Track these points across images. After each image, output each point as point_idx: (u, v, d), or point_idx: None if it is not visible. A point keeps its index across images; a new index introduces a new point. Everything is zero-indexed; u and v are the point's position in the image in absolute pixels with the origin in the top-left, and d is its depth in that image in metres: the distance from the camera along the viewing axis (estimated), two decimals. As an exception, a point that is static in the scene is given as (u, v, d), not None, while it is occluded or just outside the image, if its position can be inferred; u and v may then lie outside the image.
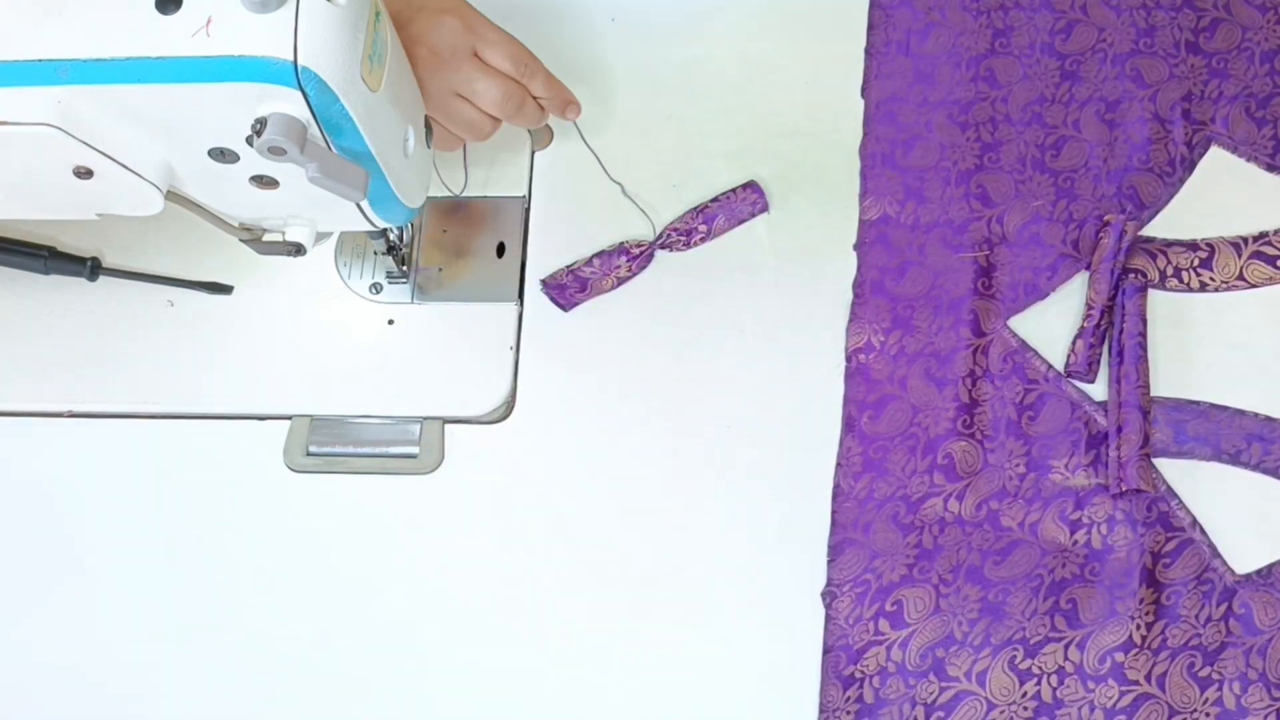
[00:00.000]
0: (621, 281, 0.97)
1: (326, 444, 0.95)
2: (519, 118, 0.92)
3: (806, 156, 1.00)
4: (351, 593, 0.92)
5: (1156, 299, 0.95)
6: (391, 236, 0.93)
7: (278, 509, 0.94)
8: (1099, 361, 0.93)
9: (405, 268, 0.98)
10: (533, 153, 1.02)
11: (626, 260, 0.97)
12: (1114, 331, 0.93)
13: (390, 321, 0.98)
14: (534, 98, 0.93)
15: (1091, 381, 0.93)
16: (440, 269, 0.99)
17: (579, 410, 0.95)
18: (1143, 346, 0.92)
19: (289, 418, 0.96)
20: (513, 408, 0.96)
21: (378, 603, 0.92)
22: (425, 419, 0.95)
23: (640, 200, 0.99)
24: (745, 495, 0.92)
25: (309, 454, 0.95)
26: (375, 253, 0.98)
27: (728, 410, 0.94)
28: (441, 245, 1.00)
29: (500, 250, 1.00)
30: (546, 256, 0.99)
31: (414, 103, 0.83)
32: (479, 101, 0.90)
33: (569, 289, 0.97)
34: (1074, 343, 0.94)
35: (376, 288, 0.98)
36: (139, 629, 0.92)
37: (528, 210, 1.01)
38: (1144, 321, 0.93)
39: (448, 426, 0.95)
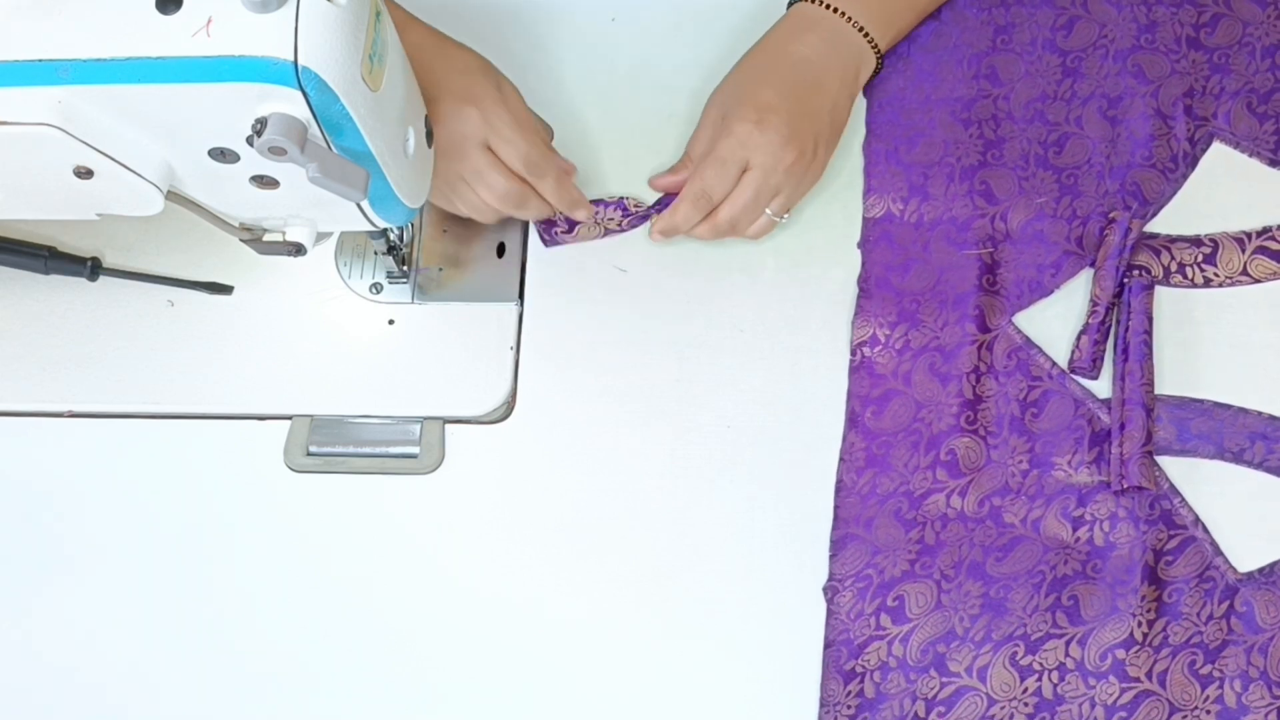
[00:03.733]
0: (608, 233, 0.99)
1: (326, 444, 0.95)
2: (521, 211, 0.95)
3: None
4: (351, 593, 0.93)
5: (1161, 297, 0.96)
6: (392, 236, 0.93)
7: (278, 509, 0.95)
8: (1103, 358, 0.94)
9: (405, 268, 0.98)
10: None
11: (621, 214, 0.99)
12: (1119, 329, 0.94)
13: (390, 321, 0.99)
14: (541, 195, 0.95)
15: (1095, 377, 0.94)
16: (440, 269, 0.99)
17: (579, 410, 0.96)
18: (1148, 344, 0.93)
19: (289, 418, 0.96)
20: (513, 408, 0.96)
21: (378, 603, 0.92)
22: (425, 419, 0.96)
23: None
24: (746, 494, 0.93)
25: (309, 454, 0.95)
26: (375, 253, 0.98)
27: (728, 410, 0.95)
28: (441, 245, 1.00)
29: (500, 250, 1.00)
30: (546, 256, 1.00)
31: (414, 103, 0.84)
32: (482, 193, 0.93)
33: (556, 227, 0.98)
34: (1078, 339, 0.94)
35: (376, 288, 0.99)
36: (139, 629, 0.93)
37: (528, 210, 1.01)
38: (1150, 319, 0.94)
39: (448, 426, 0.96)
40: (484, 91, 0.92)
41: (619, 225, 0.98)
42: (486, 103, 0.91)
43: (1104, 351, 0.94)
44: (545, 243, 0.99)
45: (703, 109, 0.99)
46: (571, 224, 0.98)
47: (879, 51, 0.99)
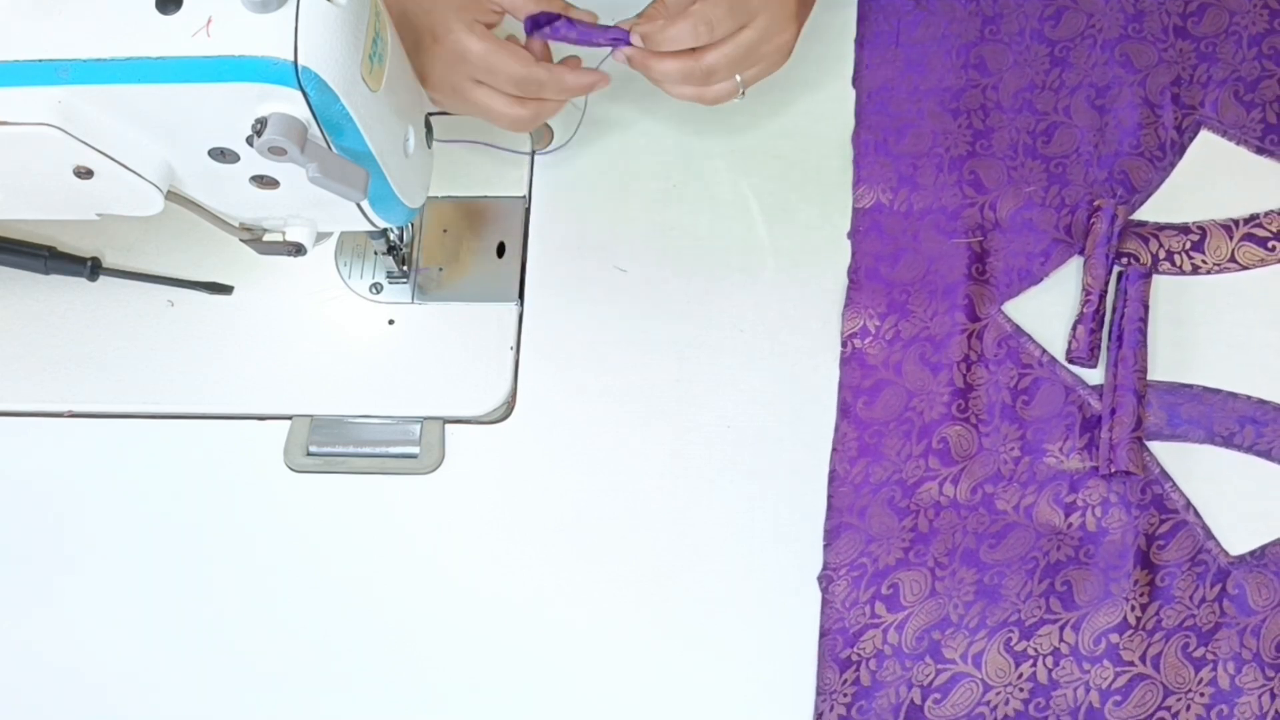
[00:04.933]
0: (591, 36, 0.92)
1: (326, 444, 0.96)
2: (539, 105, 0.92)
3: (800, 149, 1.02)
4: (351, 593, 0.94)
5: (1152, 284, 0.97)
6: (392, 236, 0.94)
7: (278, 509, 0.96)
8: (1100, 346, 0.95)
9: (405, 268, 0.99)
10: (533, 152, 1.04)
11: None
12: (1114, 316, 0.96)
13: (390, 321, 1.00)
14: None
15: (1093, 366, 0.95)
16: (440, 269, 1.01)
17: (579, 410, 0.97)
18: (1142, 332, 0.94)
19: (289, 418, 0.98)
20: (513, 408, 0.97)
21: (378, 602, 0.93)
22: (425, 419, 0.97)
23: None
24: (746, 493, 0.94)
25: (309, 454, 0.96)
26: (375, 253, 1.00)
27: (728, 410, 0.96)
28: (441, 245, 1.01)
29: (500, 250, 1.01)
30: (546, 256, 1.01)
31: (414, 102, 0.85)
32: (496, 82, 0.90)
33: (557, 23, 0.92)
34: (1074, 329, 0.96)
35: (376, 288, 1.00)
36: (139, 629, 0.94)
37: (528, 210, 1.02)
38: (1145, 308, 0.95)
39: (448, 426, 0.97)
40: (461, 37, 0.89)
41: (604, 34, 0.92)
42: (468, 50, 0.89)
43: (1100, 340, 0.95)
44: (528, 30, 0.92)
45: None
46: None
47: None
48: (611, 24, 0.92)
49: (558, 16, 0.91)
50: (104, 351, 1.00)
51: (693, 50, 0.90)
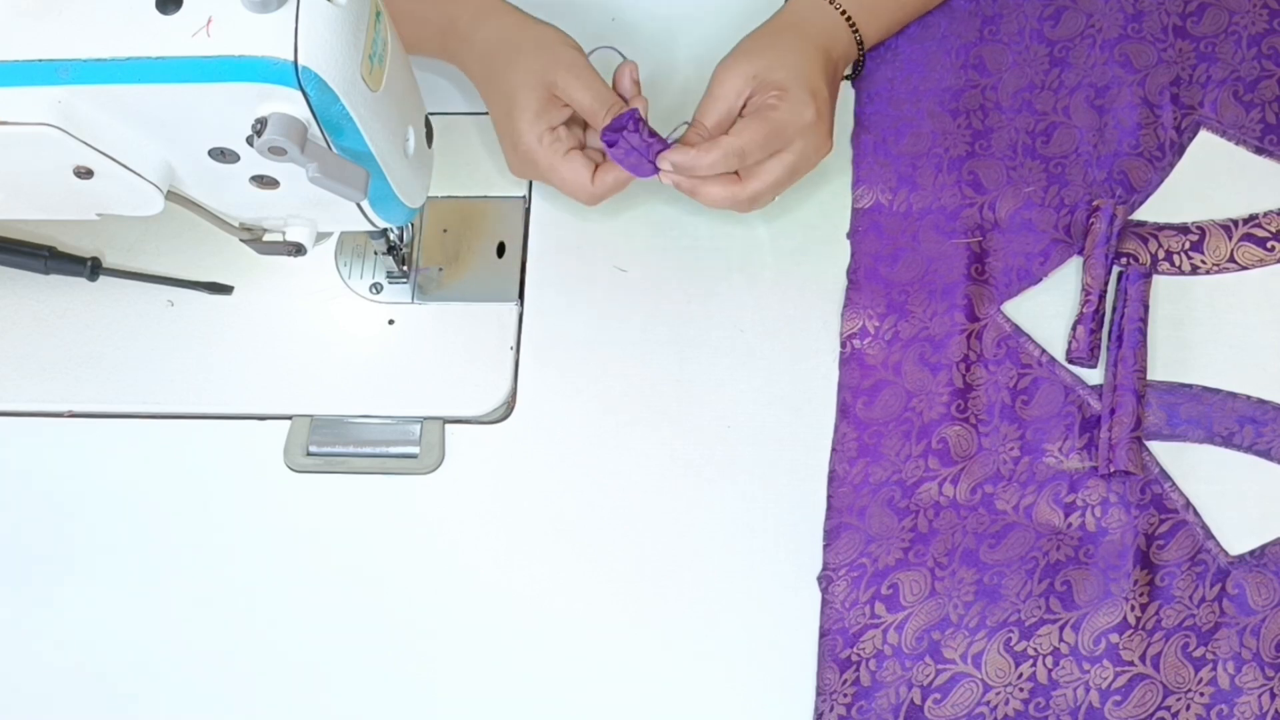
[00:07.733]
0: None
1: (326, 444, 0.97)
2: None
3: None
4: (352, 593, 0.94)
5: (1152, 284, 0.97)
6: (392, 236, 0.95)
7: (278, 509, 0.96)
8: (1100, 346, 0.96)
9: (405, 268, 1.00)
10: None
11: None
12: (1115, 316, 0.96)
13: (390, 321, 1.00)
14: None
15: (1093, 366, 0.96)
16: (440, 269, 1.01)
17: (579, 410, 0.97)
18: (1142, 332, 0.95)
19: (289, 418, 0.98)
20: (513, 408, 0.98)
21: (378, 602, 0.94)
22: (425, 419, 0.97)
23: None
24: (746, 493, 0.94)
25: (309, 454, 0.97)
26: (375, 253, 1.00)
27: (728, 410, 0.97)
28: (441, 245, 1.02)
29: (500, 250, 1.02)
30: (546, 256, 1.01)
31: (414, 103, 0.85)
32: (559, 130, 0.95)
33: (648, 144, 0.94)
34: (1074, 329, 0.96)
35: (376, 288, 1.01)
36: (139, 629, 0.94)
37: (528, 210, 1.03)
38: (1145, 308, 0.95)
39: (448, 426, 0.97)
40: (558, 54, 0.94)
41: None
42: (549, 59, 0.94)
43: (1100, 340, 0.96)
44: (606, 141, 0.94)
45: (717, 75, 0.95)
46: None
47: (861, 51, 1.01)
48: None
49: (631, 120, 0.92)
50: (104, 351, 1.00)
51: (736, 174, 0.93)
